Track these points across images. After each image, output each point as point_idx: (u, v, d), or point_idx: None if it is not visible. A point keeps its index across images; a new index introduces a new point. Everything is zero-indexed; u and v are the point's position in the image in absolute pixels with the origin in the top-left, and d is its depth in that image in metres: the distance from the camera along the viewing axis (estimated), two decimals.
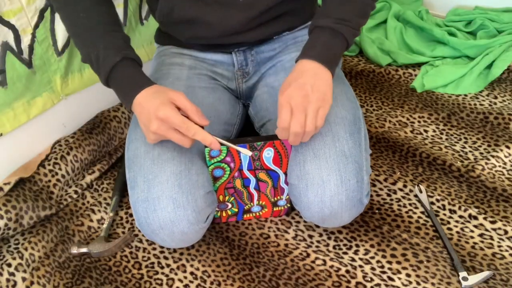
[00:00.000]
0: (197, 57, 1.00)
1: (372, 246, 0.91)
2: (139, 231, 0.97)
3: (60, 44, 1.01)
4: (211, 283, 0.87)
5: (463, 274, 0.83)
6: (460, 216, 0.95)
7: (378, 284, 0.84)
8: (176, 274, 0.89)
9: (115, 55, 0.80)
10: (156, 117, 0.74)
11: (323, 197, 0.80)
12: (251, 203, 0.94)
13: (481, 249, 0.88)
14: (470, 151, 1.10)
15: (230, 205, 0.94)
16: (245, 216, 0.97)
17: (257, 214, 0.97)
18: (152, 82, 0.81)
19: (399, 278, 0.85)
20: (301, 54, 0.79)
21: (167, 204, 0.79)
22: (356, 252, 0.90)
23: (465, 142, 1.12)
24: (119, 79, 0.81)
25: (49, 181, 1.01)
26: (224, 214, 0.96)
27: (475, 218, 0.94)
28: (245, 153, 0.79)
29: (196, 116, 0.75)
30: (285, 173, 0.88)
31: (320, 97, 0.74)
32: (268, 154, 0.84)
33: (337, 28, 0.78)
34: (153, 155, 0.82)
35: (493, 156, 1.06)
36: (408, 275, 0.85)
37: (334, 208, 0.81)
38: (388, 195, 1.01)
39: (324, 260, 0.89)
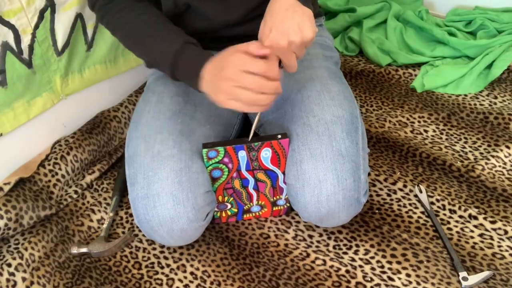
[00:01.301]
0: None
1: (372, 246, 0.91)
2: (139, 230, 0.97)
3: (60, 44, 1.02)
4: (211, 283, 0.87)
5: (463, 274, 0.83)
6: (460, 216, 0.95)
7: (378, 284, 0.84)
8: (176, 274, 0.89)
9: (175, 42, 0.80)
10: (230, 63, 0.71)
11: (320, 197, 0.80)
12: (251, 203, 0.94)
13: (481, 249, 0.88)
14: (470, 151, 1.10)
15: (229, 206, 0.94)
16: (245, 216, 0.97)
17: (257, 214, 0.97)
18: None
19: (399, 278, 0.85)
20: None
21: (167, 201, 0.79)
22: (356, 252, 0.90)
23: (465, 142, 1.12)
24: (183, 62, 0.80)
25: (49, 181, 1.01)
26: (224, 215, 0.96)
27: (475, 218, 0.94)
28: None
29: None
30: (284, 173, 0.88)
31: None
32: (266, 154, 0.84)
33: None
34: (152, 152, 0.82)
35: (493, 156, 1.06)
36: (408, 275, 0.85)
37: (331, 207, 0.81)
38: (388, 195, 1.01)
39: (324, 260, 0.89)
